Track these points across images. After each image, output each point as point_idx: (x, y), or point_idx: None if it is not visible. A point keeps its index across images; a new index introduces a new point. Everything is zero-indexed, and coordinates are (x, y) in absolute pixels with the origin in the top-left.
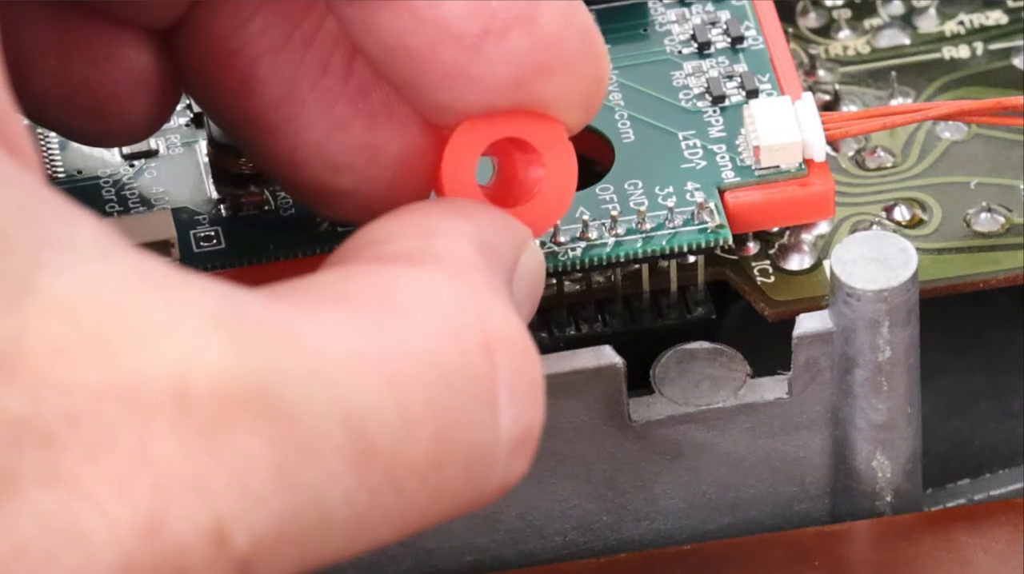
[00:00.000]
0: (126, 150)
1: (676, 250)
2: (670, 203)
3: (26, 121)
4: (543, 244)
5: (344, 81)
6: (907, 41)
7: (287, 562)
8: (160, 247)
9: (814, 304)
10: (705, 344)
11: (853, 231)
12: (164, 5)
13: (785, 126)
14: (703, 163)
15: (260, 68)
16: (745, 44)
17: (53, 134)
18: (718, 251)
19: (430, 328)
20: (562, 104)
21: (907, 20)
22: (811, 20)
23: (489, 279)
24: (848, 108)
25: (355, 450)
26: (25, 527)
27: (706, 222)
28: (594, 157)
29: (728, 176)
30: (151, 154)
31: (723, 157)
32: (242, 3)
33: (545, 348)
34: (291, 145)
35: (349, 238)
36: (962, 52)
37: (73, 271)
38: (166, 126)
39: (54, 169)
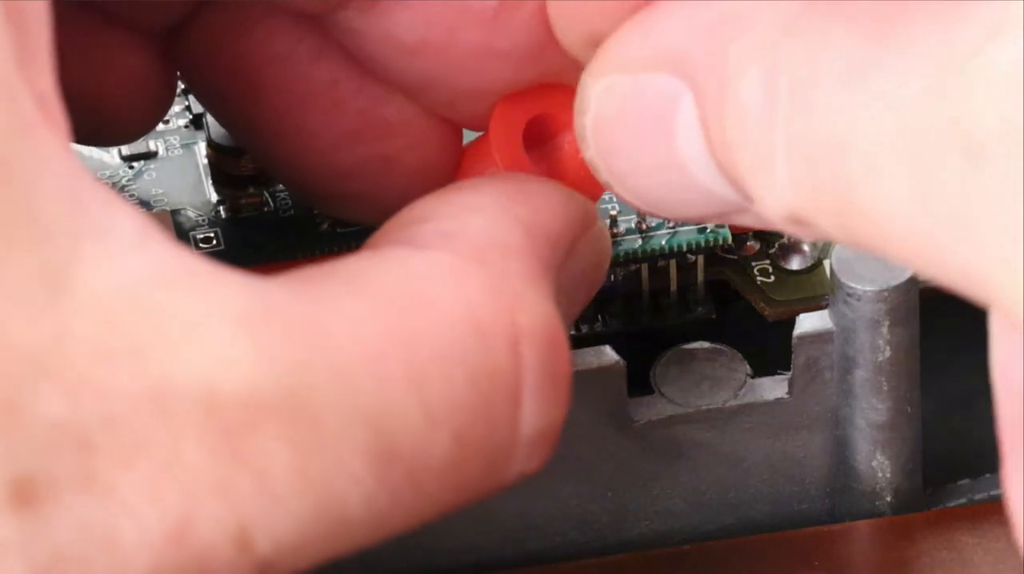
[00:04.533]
0: (125, 151)
1: (676, 250)
2: None
3: None
4: None
5: (355, 93)
6: None
7: (306, 560)
8: None
9: (814, 304)
10: (705, 344)
11: None
12: (165, 7)
13: None
14: None
15: (266, 75)
16: None
17: None
18: (718, 251)
19: (456, 322)
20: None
21: None
22: None
23: (527, 265)
24: None
25: (377, 453)
26: (63, 534)
27: None
28: None
29: None
30: (150, 155)
31: None
32: (247, 9)
33: None
34: (298, 153)
35: (396, 215)
36: None
37: (111, 264)
38: (165, 127)
39: None
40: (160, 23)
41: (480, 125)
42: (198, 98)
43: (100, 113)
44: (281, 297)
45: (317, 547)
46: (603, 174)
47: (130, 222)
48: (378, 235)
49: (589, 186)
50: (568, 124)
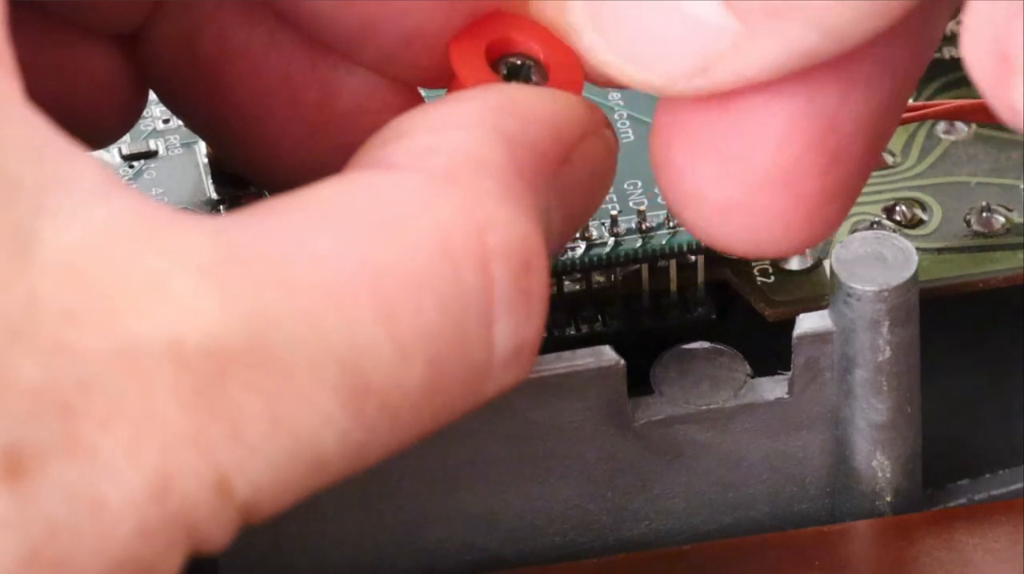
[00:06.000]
0: (125, 151)
1: (676, 250)
2: None
3: None
4: None
5: (308, 83)
6: None
7: (288, 498)
8: None
9: (814, 304)
10: (705, 344)
11: (853, 231)
12: (122, 11)
13: None
14: None
15: (224, 74)
16: None
17: None
18: (718, 251)
19: (424, 248)
20: None
21: None
22: None
23: (504, 180)
24: None
25: (349, 390)
26: (53, 503)
27: None
28: None
29: None
30: (151, 155)
31: None
32: (198, 9)
33: (545, 348)
34: (265, 151)
35: (375, 133)
36: None
37: (76, 217)
38: (166, 127)
39: None
40: (119, 28)
41: (435, 79)
42: (166, 104)
43: (74, 122)
44: (244, 237)
45: (298, 486)
46: (604, 53)
47: (92, 172)
48: (356, 156)
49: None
50: (523, 41)
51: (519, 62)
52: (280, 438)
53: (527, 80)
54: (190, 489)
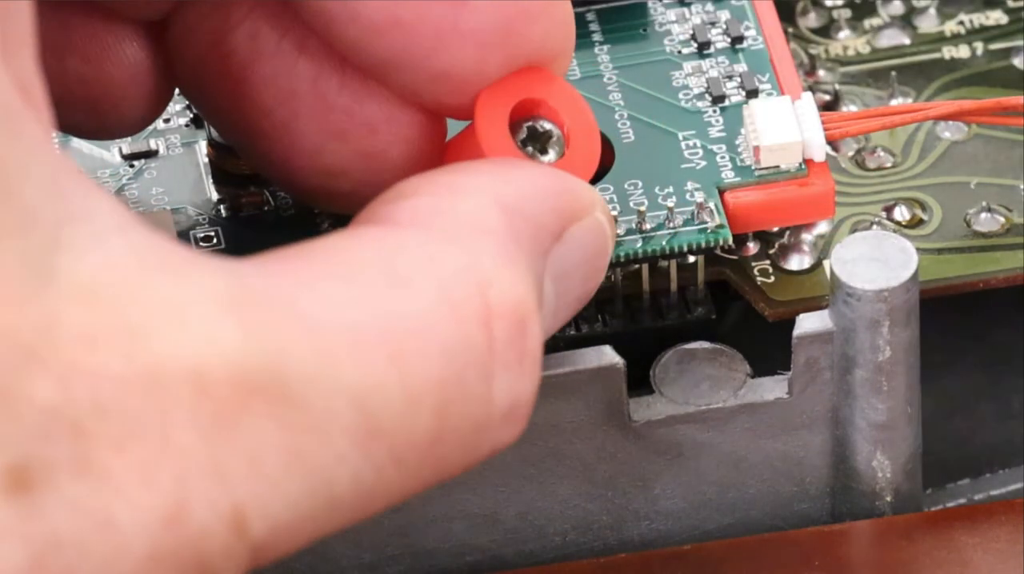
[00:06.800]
0: (126, 150)
1: (676, 250)
2: (670, 203)
3: None
4: None
5: (338, 90)
6: (907, 41)
7: (296, 542)
8: None
9: (814, 304)
10: (705, 344)
11: (853, 231)
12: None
13: (785, 126)
14: (703, 163)
15: (252, 74)
16: (745, 44)
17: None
18: (718, 251)
19: (431, 300)
20: (549, 47)
21: (907, 20)
22: (811, 20)
23: (502, 246)
24: (848, 108)
25: (362, 430)
26: (60, 519)
27: (706, 222)
28: None
29: (728, 176)
30: (151, 154)
31: (723, 157)
32: (232, 7)
33: (545, 348)
34: (285, 152)
35: (381, 194)
36: (962, 52)
37: (93, 250)
38: (166, 126)
39: None
40: (146, 14)
41: (459, 112)
42: (186, 95)
43: (100, 107)
44: (260, 278)
45: (308, 529)
46: None
47: (109, 209)
48: (361, 213)
49: (577, 168)
50: (553, 115)
51: (541, 128)
52: (297, 473)
53: (544, 148)
54: (205, 519)
